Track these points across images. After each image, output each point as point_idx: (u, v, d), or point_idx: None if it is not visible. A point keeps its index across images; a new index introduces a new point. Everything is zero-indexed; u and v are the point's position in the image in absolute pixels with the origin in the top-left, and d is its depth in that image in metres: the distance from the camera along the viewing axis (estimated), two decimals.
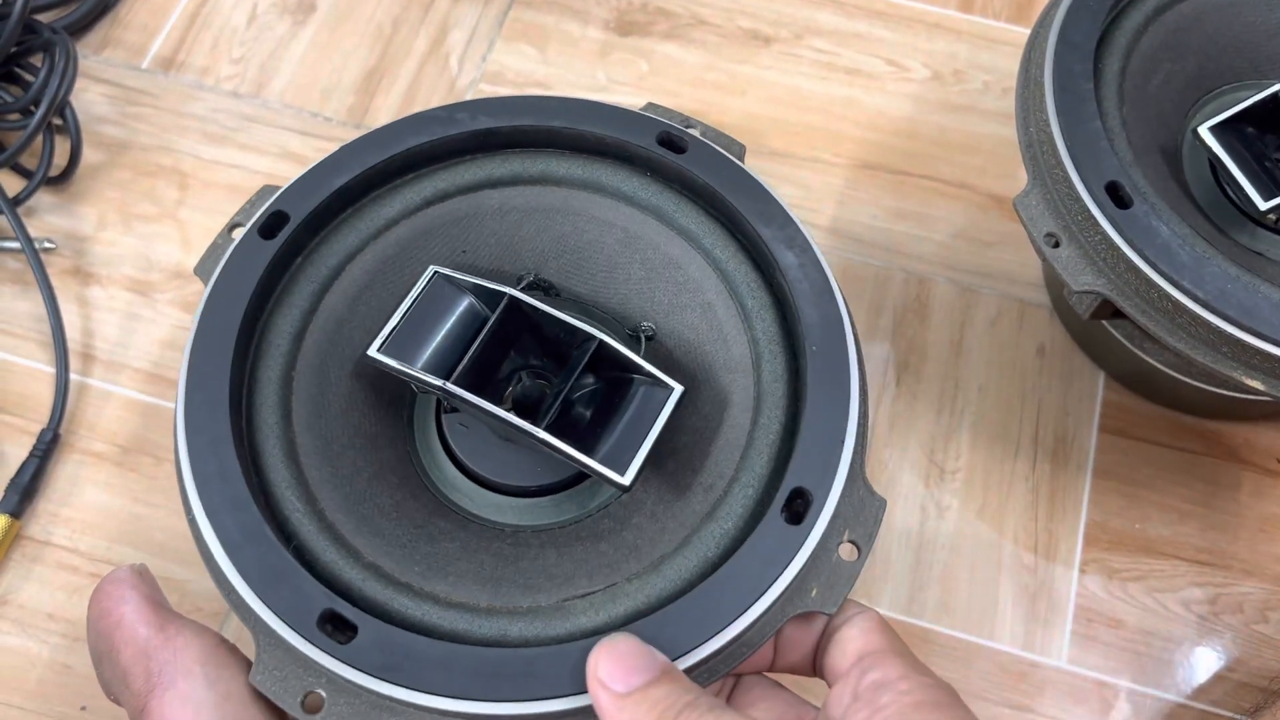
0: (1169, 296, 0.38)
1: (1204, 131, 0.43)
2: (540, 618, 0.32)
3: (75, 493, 0.49)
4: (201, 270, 0.37)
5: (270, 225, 0.37)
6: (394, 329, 0.36)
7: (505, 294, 0.36)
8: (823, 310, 0.36)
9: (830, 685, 0.33)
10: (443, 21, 0.60)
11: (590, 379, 0.36)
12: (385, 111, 0.58)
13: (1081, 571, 0.48)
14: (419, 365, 0.35)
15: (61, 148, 0.54)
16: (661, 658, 0.30)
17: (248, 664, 0.35)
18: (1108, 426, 0.51)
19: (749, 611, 0.31)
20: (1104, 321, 0.47)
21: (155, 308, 0.53)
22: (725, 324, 0.38)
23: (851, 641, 0.33)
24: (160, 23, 0.60)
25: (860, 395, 0.35)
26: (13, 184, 0.53)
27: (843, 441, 0.34)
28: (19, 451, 0.49)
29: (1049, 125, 0.41)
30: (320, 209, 0.38)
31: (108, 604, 0.35)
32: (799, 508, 0.33)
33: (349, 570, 0.33)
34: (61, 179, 0.55)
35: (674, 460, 0.36)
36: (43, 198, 0.55)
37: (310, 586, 0.32)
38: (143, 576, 0.36)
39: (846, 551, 0.33)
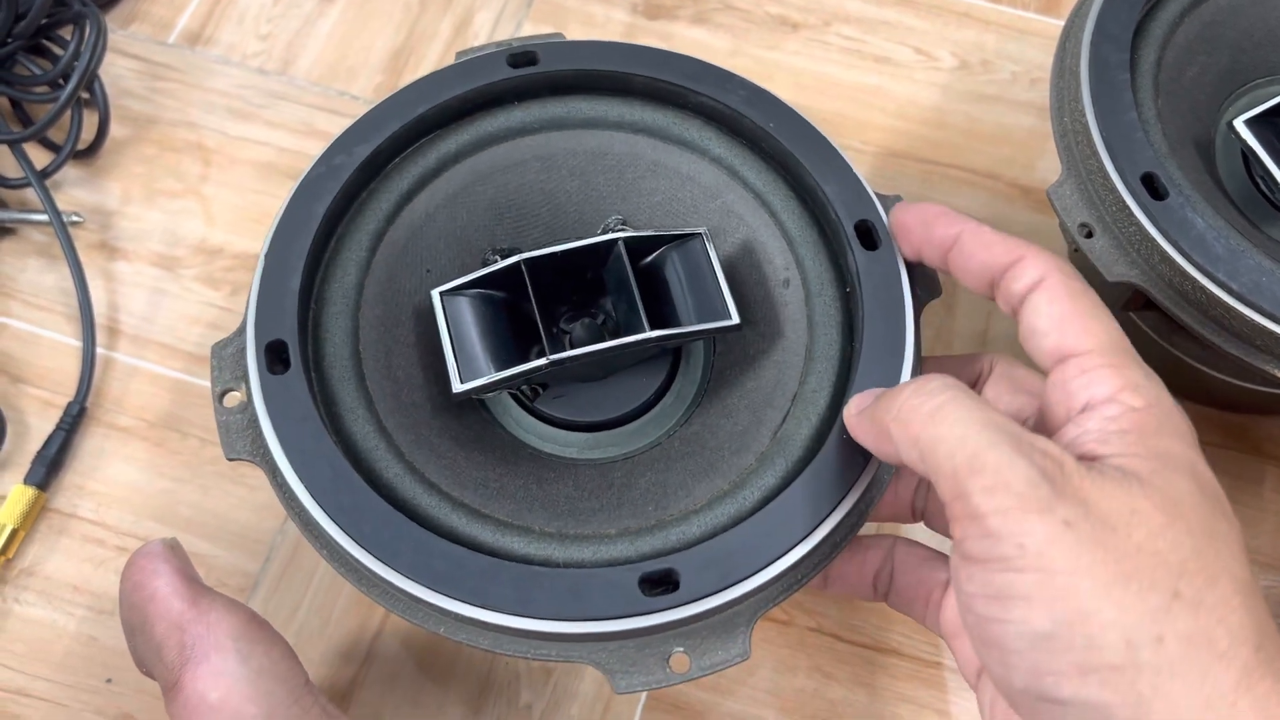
0: (1203, 289, 0.38)
1: (1239, 125, 0.42)
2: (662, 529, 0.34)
3: (101, 466, 0.49)
4: None
5: None
6: (456, 359, 0.36)
7: (517, 262, 0.36)
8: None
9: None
10: (470, 2, 0.60)
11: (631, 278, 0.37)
12: None
13: None
14: (509, 365, 0.36)
15: (89, 122, 0.54)
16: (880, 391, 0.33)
17: (280, 640, 0.36)
18: None
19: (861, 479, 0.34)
20: (1131, 313, 0.47)
21: (181, 283, 0.53)
22: (767, 244, 0.39)
23: (1046, 337, 0.33)
24: None
25: (914, 315, 0.37)
26: (39, 157, 0.53)
27: (902, 357, 0.36)
28: (44, 424, 0.49)
29: (1084, 115, 0.41)
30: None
31: (141, 577, 0.35)
32: None
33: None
34: (88, 153, 0.55)
35: (737, 388, 0.38)
36: (69, 171, 0.55)
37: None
38: (175, 550, 0.37)
39: None
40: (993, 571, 0.27)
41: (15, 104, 0.55)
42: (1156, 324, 0.47)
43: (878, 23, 0.60)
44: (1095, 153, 0.41)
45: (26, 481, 0.47)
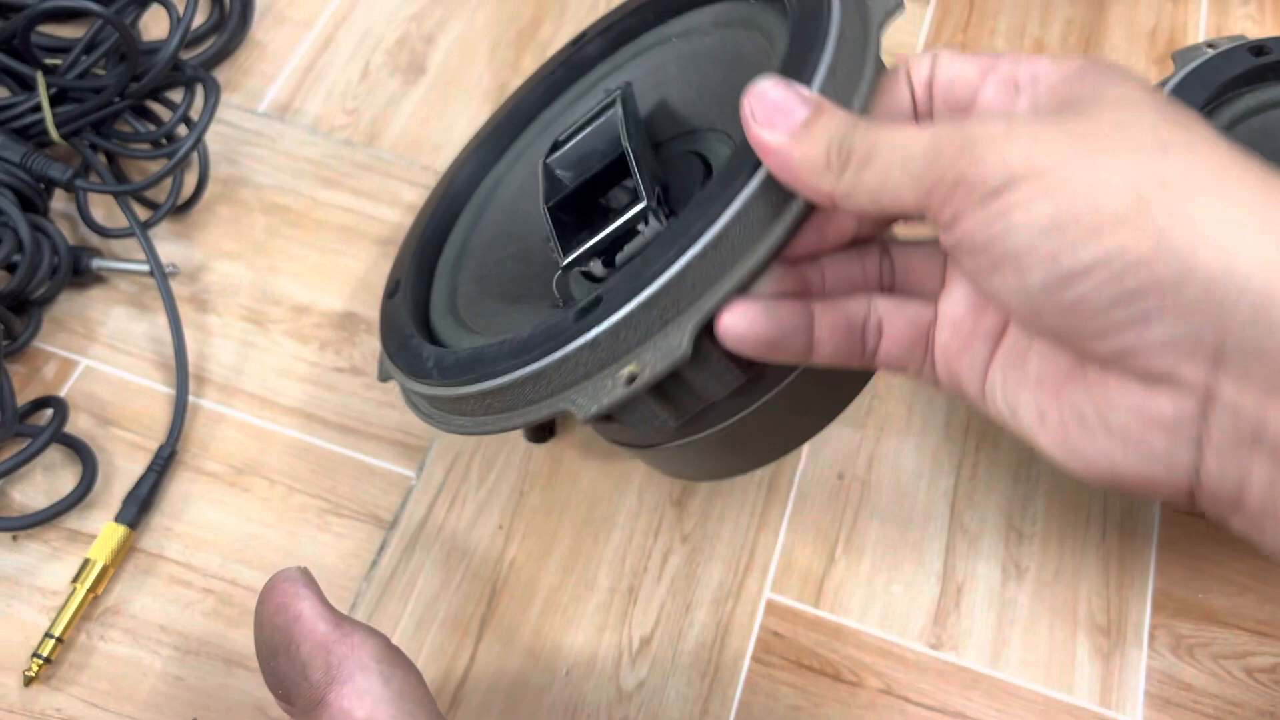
0: None
1: None
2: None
3: (188, 509, 0.49)
4: None
5: None
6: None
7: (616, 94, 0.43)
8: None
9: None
10: None
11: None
12: None
13: (1151, 636, 0.51)
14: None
15: (187, 180, 0.57)
16: (809, 93, 0.31)
17: (414, 667, 0.37)
18: (1169, 504, 0.54)
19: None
20: None
21: (269, 337, 0.54)
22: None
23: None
24: (277, 71, 0.63)
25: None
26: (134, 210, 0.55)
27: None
28: (130, 466, 0.50)
29: None
30: None
31: (285, 600, 0.36)
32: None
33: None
34: (183, 209, 0.57)
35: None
36: (162, 225, 0.57)
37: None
38: (310, 577, 0.38)
39: None
40: (987, 202, 0.27)
41: (111, 158, 0.57)
42: None
43: None
44: None
45: (118, 520, 0.48)
